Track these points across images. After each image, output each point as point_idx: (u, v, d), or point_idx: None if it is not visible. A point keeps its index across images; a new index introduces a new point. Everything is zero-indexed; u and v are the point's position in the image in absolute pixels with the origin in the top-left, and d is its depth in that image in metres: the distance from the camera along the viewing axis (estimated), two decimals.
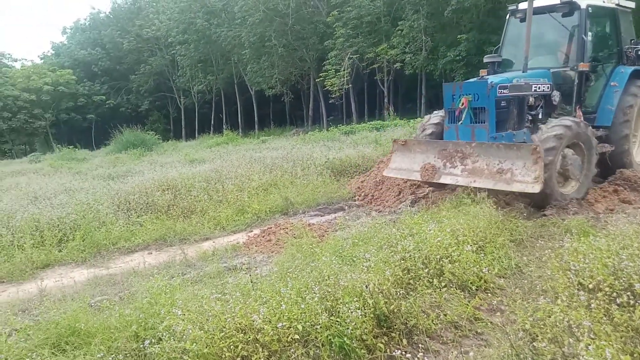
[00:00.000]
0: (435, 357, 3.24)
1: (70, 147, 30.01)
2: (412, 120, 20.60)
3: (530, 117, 7.56)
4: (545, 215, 6.17)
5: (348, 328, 3.29)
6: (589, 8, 7.72)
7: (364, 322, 3.36)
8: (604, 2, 8.18)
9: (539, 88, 7.51)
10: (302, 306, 3.34)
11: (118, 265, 6.51)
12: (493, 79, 7.24)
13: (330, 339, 3.27)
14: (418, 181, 7.81)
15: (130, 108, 51.21)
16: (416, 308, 3.69)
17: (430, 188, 8.38)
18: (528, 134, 7.33)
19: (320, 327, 3.27)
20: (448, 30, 27.46)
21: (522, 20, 8.19)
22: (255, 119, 42.28)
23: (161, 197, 8.96)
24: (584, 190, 7.14)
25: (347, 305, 3.40)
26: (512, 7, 8.64)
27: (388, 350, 3.33)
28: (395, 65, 29.13)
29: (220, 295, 3.72)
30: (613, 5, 8.27)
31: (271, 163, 11.97)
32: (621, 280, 3.29)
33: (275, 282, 3.90)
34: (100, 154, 26.47)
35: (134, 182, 10.43)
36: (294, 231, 6.65)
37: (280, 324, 3.20)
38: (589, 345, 2.56)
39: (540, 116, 7.63)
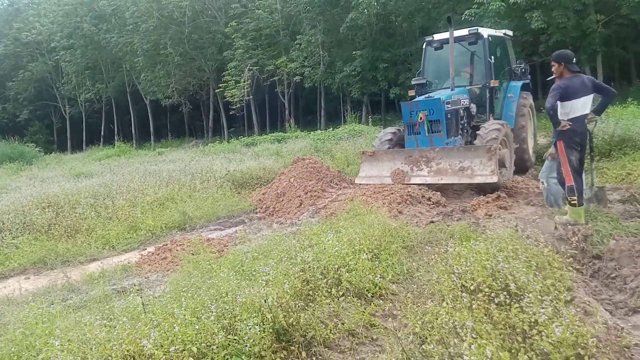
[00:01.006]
0: None
1: None
2: (312, 133, 20.97)
3: (460, 126, 9.06)
4: (432, 222, 6.59)
5: (246, 345, 3.20)
6: (489, 37, 9.50)
7: (262, 337, 3.30)
8: (496, 32, 10.23)
9: (464, 102, 9.06)
10: (197, 327, 3.20)
11: None
12: (441, 96, 8.67)
13: (227, 359, 3.16)
14: (389, 185, 8.52)
15: (7, 118, 46.15)
16: (315, 319, 3.71)
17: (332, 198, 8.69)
18: (461, 140, 8.97)
19: (217, 347, 3.14)
20: (344, 46, 28.55)
21: (437, 48, 9.98)
22: (151, 129, 40.38)
23: (41, 215, 8.17)
24: (510, 175, 8.73)
25: (245, 322, 3.32)
26: (428, 39, 10.26)
27: None
28: (295, 78, 29.63)
29: (106, 321, 3.44)
30: (502, 35, 10.36)
31: (168, 176, 11.47)
32: (498, 281, 3.59)
33: (169, 303, 3.70)
34: None
35: (9, 199, 9.46)
36: (191, 247, 6.40)
37: (173, 348, 3.03)
38: (472, 344, 2.74)
39: (465, 125, 9.20)
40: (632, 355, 3.15)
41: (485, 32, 9.58)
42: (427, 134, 8.60)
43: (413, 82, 10.00)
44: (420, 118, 8.55)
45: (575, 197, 5.31)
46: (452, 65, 8.93)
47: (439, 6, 25.39)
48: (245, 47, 30.24)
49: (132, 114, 41.73)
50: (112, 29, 36.41)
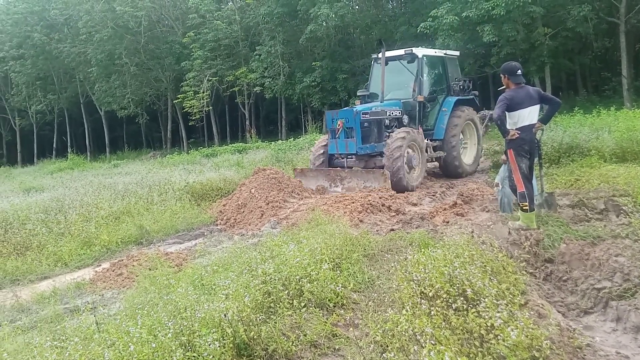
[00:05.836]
0: None
1: None
2: (272, 143, 20.94)
3: (387, 134, 10.24)
4: (392, 230, 6.67)
5: None
6: (424, 57, 10.76)
7: (222, 353, 3.24)
8: (435, 52, 11.40)
9: (392, 113, 10.43)
10: (154, 345, 3.11)
11: None
12: (358, 107, 10.22)
13: None
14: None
15: None
16: (276, 332, 3.67)
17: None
18: (383, 146, 9.91)
19: None
20: (304, 57, 28.71)
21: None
22: (106, 141, 39.17)
23: None
24: (422, 176, 10.19)
25: (204, 338, 3.25)
26: (374, 56, 11.58)
27: None
28: (255, 89, 29.47)
29: (57, 342, 3.30)
30: (442, 54, 11.51)
31: (123, 189, 11.16)
32: (456, 287, 3.66)
33: (124, 321, 3.58)
34: None
35: None
36: (148, 262, 6.22)
37: None
38: (431, 351, 2.78)
39: (394, 132, 10.13)
40: (584, 355, 3.27)
41: (421, 52, 10.75)
42: (344, 139, 9.92)
43: (358, 94, 11.38)
44: (339, 125, 9.88)
45: (527, 203, 5.50)
46: (382, 82, 10.42)
47: (395, 19, 25.98)
48: (203, 57, 29.89)
49: (86, 125, 40.43)
50: (64, 39, 35.24)
